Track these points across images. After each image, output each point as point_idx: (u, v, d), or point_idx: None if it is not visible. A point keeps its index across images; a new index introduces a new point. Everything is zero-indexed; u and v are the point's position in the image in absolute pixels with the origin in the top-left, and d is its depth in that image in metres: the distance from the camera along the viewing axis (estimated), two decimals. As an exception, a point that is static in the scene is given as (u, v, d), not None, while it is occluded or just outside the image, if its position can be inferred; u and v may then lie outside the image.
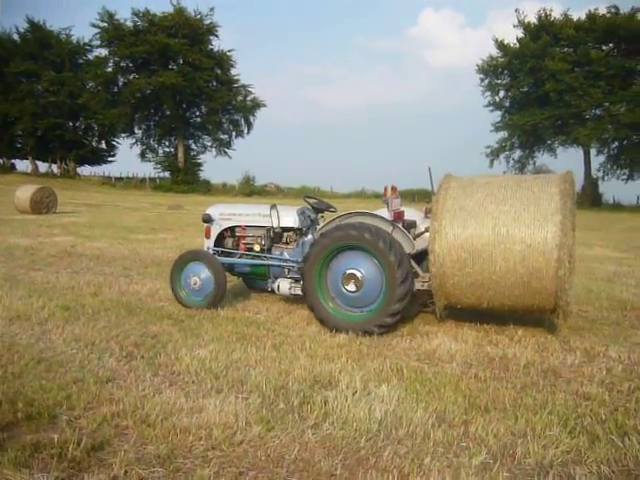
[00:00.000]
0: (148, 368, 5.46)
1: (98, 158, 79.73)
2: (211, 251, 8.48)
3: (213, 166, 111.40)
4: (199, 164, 70.81)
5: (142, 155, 71.21)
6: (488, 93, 60.94)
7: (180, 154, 67.50)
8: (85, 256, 12.86)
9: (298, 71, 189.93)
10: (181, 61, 65.51)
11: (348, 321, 7.07)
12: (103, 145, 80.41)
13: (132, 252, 13.92)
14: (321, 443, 4.10)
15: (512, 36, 59.57)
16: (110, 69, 68.85)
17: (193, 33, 64.76)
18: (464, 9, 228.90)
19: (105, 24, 66.33)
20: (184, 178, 64.32)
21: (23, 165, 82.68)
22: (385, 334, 6.93)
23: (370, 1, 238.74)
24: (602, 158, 58.67)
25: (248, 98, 70.54)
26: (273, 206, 8.24)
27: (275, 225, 8.18)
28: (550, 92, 53.45)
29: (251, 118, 71.25)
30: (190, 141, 71.36)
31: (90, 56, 76.05)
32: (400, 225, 7.32)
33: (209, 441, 4.03)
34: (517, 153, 61.61)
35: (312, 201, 8.59)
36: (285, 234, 8.38)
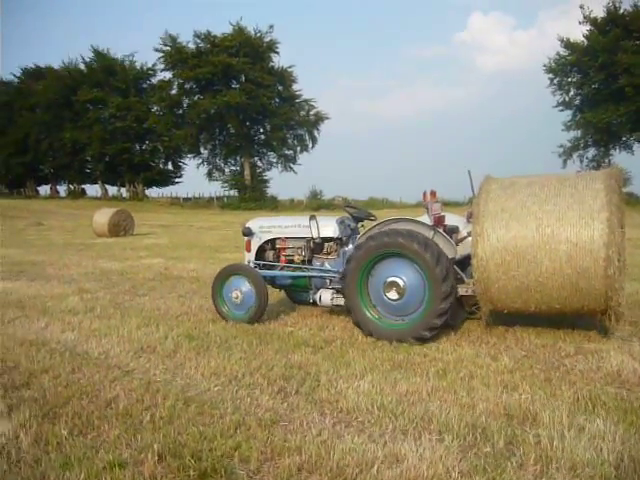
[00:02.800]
0: (311, 406, 4.78)
1: (165, 179, 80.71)
2: (252, 264, 8.33)
3: (280, 182, 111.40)
4: (266, 181, 70.66)
5: (209, 174, 71.49)
6: (558, 93, 59.04)
7: (246, 172, 67.47)
8: (183, 279, 12.39)
9: (348, 85, 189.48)
10: (244, 79, 65.52)
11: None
12: (170, 166, 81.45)
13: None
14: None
15: (573, 34, 57.56)
16: (174, 91, 69.54)
17: (254, 51, 64.71)
18: (513, 11, 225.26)
19: (168, 47, 67.09)
20: (252, 195, 64.17)
21: (93, 190, 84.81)
22: (558, 357, 6.16)
23: (417, 9, 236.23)
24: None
25: (311, 112, 70.24)
26: (312, 217, 8.06)
27: (315, 236, 7.99)
28: (625, 87, 51.22)
29: (315, 132, 70.70)
30: (256, 158, 71.26)
31: (154, 80, 77.37)
32: (441, 230, 7.10)
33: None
34: (591, 152, 59.49)
35: (352, 210, 8.42)
36: (325, 244, 8.20)
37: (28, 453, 3.89)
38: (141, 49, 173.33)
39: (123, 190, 79.97)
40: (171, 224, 40.50)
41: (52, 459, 3.79)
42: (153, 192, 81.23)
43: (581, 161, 59.29)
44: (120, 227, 28.77)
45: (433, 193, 7.40)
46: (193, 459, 3.76)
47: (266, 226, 8.51)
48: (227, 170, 71.79)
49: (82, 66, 78.91)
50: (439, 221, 7.20)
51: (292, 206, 61.01)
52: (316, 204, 57.44)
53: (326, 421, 4.47)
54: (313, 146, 71.34)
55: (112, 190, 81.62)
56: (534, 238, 6.31)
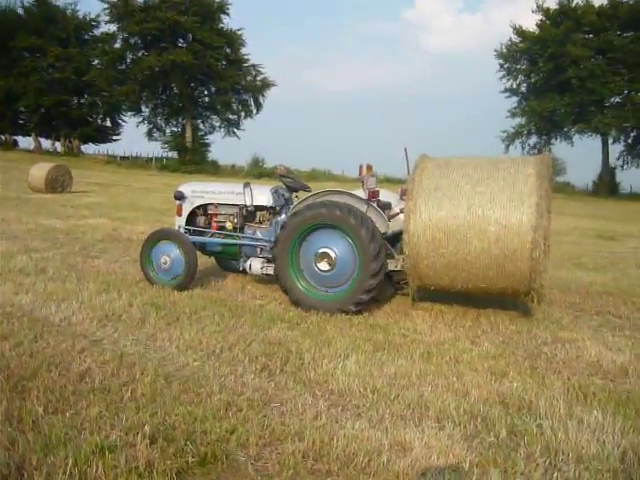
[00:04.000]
0: (301, 387, 4.54)
1: (103, 136, 78.17)
2: (182, 230, 8.20)
3: (221, 147, 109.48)
4: (207, 144, 68.93)
5: (149, 134, 69.31)
6: (506, 78, 59.77)
7: (188, 134, 65.81)
8: (134, 241, 11.86)
9: (293, 53, 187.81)
10: (191, 39, 63.62)
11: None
12: (108, 123, 78.90)
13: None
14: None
15: (518, 22, 58.23)
16: (118, 45, 67.12)
17: (204, 10, 62.76)
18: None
19: (114, -1, 64.61)
20: (192, 158, 62.53)
21: (26, 142, 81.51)
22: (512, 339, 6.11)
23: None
24: (619, 147, 57.80)
25: (258, 78, 68.88)
26: (247, 184, 8.04)
27: (248, 203, 7.91)
28: (572, 78, 52.06)
29: (260, 98, 69.29)
30: (198, 121, 69.45)
31: (97, 32, 74.56)
32: (375, 204, 7.07)
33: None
34: (533, 139, 60.56)
35: (287, 180, 8.22)
36: (258, 213, 8.12)
37: (1, 432, 3.51)
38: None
39: (58, 144, 77.20)
40: (109, 183, 39.20)
41: (30, 440, 3.42)
42: (89, 148, 78.71)
43: (523, 147, 60.32)
44: (57, 183, 27.62)
45: (369, 167, 7.38)
46: (189, 443, 3.48)
47: (199, 191, 8.36)
48: (168, 131, 69.75)
49: (20, 11, 75.31)
50: (373, 195, 7.15)
51: (233, 172, 59.96)
52: (257, 171, 56.47)
53: (320, 403, 4.24)
54: (257, 112, 70.08)
55: (46, 144, 78.73)
56: (465, 218, 6.39)
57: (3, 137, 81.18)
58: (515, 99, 60.75)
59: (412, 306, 7.25)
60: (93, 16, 72.97)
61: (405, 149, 7.97)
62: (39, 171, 27.30)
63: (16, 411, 3.80)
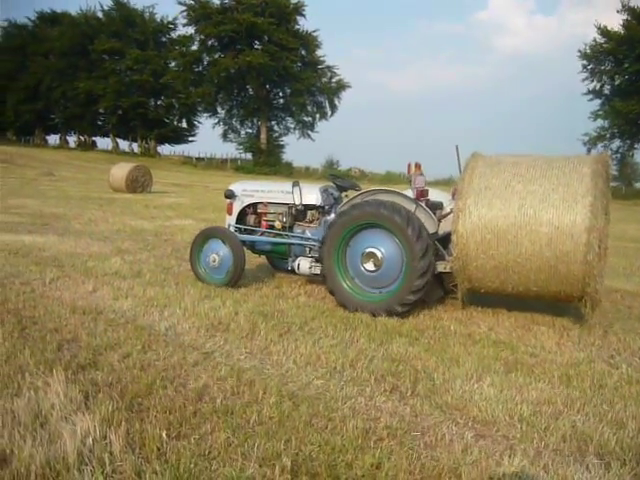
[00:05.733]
0: (439, 413, 4.07)
1: (179, 137, 79.71)
2: (232, 228, 8.22)
3: (296, 149, 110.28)
4: (282, 146, 69.65)
5: (224, 135, 70.48)
6: (589, 80, 57.90)
7: (263, 135, 66.38)
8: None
9: (363, 55, 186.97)
10: (267, 40, 63.97)
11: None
12: (184, 124, 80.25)
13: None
14: None
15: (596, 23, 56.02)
16: (195, 48, 68.09)
17: (280, 12, 63.17)
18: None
19: (192, 2, 65.51)
20: (266, 160, 63.05)
21: (103, 143, 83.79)
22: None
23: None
24: None
25: (333, 80, 68.84)
26: (296, 183, 7.92)
27: (297, 202, 7.81)
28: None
29: (335, 100, 69.40)
30: (273, 122, 70.16)
31: (173, 35, 75.96)
32: (423, 204, 6.92)
33: None
34: (616, 143, 58.40)
35: (337, 179, 8.17)
36: (308, 212, 8.03)
37: (125, 461, 3.14)
38: (161, 1, 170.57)
39: (135, 145, 79.03)
40: (186, 183, 39.76)
41: (158, 471, 3.08)
42: (165, 149, 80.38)
43: (606, 152, 58.29)
44: (138, 183, 27.97)
45: (417, 165, 7.25)
46: (331, 479, 3.08)
47: (249, 190, 8.34)
48: (243, 132, 70.81)
49: (100, 14, 77.42)
50: (421, 194, 7.01)
51: (307, 174, 59.99)
52: (332, 173, 56.39)
53: (465, 433, 3.76)
54: (332, 114, 70.18)
55: (123, 145, 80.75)
56: (516, 218, 6.15)
57: (82, 138, 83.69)
58: (598, 101, 58.79)
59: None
60: (170, 19, 74.38)
61: (457, 147, 7.71)
62: (120, 171, 27.69)
63: (137, 435, 3.46)
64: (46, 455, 3.14)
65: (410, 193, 7.02)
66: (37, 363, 4.51)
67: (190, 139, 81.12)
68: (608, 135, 57.60)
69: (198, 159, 71.39)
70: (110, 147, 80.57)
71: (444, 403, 4.23)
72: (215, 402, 3.98)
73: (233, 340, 5.38)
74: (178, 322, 5.84)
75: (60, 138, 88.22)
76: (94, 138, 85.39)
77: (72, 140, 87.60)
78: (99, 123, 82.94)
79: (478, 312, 7.05)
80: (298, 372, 4.68)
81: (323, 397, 4.20)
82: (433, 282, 6.75)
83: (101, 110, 78.46)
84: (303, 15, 67.18)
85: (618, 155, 57.62)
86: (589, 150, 57.84)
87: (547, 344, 5.93)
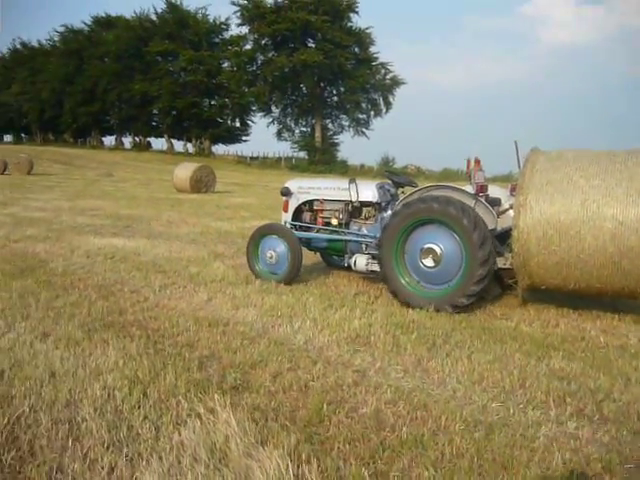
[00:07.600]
0: (646, 445, 3.65)
1: (232, 137, 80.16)
2: (288, 225, 8.28)
3: (350, 146, 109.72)
4: (336, 144, 69.28)
5: (278, 134, 70.54)
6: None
7: (317, 134, 66.17)
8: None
9: (406, 51, 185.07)
10: (321, 38, 63.70)
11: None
12: (237, 124, 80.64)
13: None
14: None
15: None
16: (249, 47, 68.29)
17: (333, 10, 62.79)
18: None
19: (245, 1, 65.67)
20: (321, 158, 62.79)
21: (158, 143, 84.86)
22: None
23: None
24: None
25: (387, 76, 68.16)
26: (352, 180, 7.94)
27: (354, 199, 7.82)
28: None
29: (390, 97, 68.79)
30: (327, 121, 69.91)
31: (226, 35, 76.38)
32: (483, 199, 6.84)
33: None
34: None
35: (393, 176, 8.18)
36: (364, 209, 8.10)
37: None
38: (214, 2, 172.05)
39: (189, 145, 79.75)
40: (245, 183, 39.79)
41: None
42: (218, 149, 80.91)
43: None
44: (202, 183, 28.04)
45: (477, 161, 7.09)
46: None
47: (305, 187, 8.40)
48: (297, 131, 70.72)
49: (154, 17, 78.41)
50: (481, 190, 6.91)
51: (362, 172, 59.51)
52: (387, 170, 55.86)
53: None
54: (387, 111, 69.58)
55: (178, 145, 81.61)
56: (578, 213, 6.05)
57: (138, 139, 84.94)
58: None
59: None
60: (223, 19, 74.80)
61: (515, 142, 7.58)
62: (184, 171, 27.79)
63: (332, 472, 3.12)
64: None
65: (470, 189, 6.94)
66: (187, 384, 4.24)
67: (244, 138, 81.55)
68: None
69: (252, 158, 71.59)
70: (165, 147, 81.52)
71: (643, 431, 3.80)
72: (396, 430, 3.63)
73: (381, 356, 5.01)
74: (313, 335, 5.51)
75: (116, 139, 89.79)
76: (149, 139, 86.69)
77: (127, 141, 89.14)
78: (154, 124, 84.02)
79: (613, 319, 6.55)
80: (467, 393, 4.29)
81: (510, 423, 3.81)
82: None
83: (155, 111, 79.53)
84: (356, 12, 66.75)
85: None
86: (654, 143, 56.16)
87: None
